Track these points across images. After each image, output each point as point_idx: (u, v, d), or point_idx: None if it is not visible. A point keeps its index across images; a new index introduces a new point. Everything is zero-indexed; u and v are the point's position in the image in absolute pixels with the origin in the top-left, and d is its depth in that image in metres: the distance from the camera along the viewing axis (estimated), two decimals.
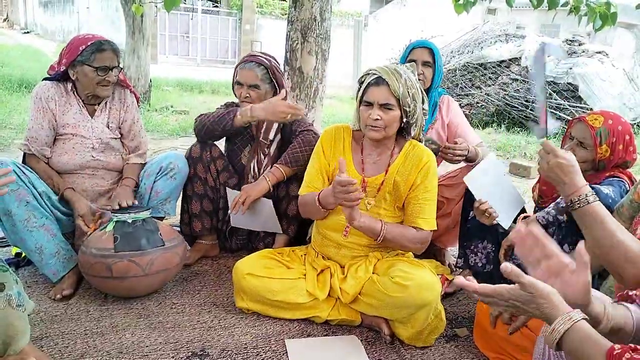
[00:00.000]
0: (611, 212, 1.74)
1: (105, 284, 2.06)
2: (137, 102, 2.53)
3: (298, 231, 2.46)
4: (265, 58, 2.49)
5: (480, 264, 2.31)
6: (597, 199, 1.38)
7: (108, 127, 2.38)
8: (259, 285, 1.98)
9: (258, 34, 16.74)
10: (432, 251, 2.63)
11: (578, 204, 1.38)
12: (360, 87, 1.94)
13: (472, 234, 2.29)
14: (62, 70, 2.25)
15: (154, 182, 2.38)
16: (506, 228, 2.08)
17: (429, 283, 1.82)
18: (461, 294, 2.38)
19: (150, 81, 7.47)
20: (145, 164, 2.46)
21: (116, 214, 2.10)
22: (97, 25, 15.55)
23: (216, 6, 18.00)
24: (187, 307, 2.10)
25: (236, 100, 2.60)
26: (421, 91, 1.95)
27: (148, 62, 7.33)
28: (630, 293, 1.14)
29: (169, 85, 9.88)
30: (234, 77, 2.47)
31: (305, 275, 2.04)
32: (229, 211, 2.39)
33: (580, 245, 1.01)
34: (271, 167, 2.38)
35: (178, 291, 2.23)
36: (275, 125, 2.49)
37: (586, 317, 0.97)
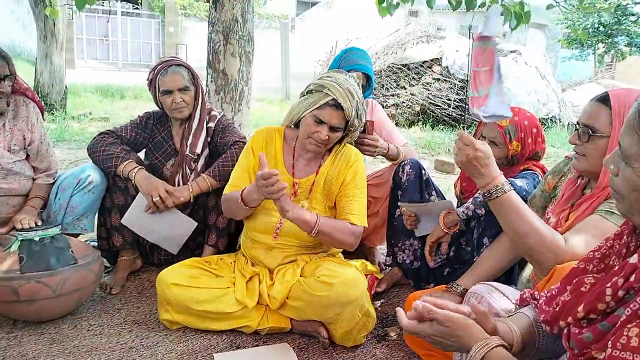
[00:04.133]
0: (525, 203, 1.82)
1: (12, 309, 1.88)
2: (42, 113, 2.32)
3: (227, 243, 2.37)
4: (180, 60, 2.38)
5: (408, 261, 2.34)
6: (512, 188, 1.42)
7: (9, 151, 2.16)
8: (185, 295, 1.88)
9: (183, 37, 16.33)
10: (361, 251, 2.64)
11: (495, 193, 1.41)
12: (309, 94, 1.93)
13: (398, 231, 2.32)
14: None
15: (70, 196, 2.22)
16: (418, 236, 2.20)
17: (353, 280, 1.81)
18: (391, 292, 2.39)
19: (66, 87, 7.06)
20: (55, 182, 2.29)
21: (21, 233, 1.92)
22: (6, 30, 14.55)
23: (137, 8, 17.35)
24: (106, 327, 1.96)
25: (154, 109, 2.48)
26: (363, 104, 1.97)
27: (63, 67, 6.93)
28: (524, 296, 1.17)
29: (88, 91, 9.41)
30: (156, 88, 2.32)
31: (234, 283, 1.97)
32: (131, 210, 2.24)
33: (470, 307, 1.03)
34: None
35: (95, 311, 2.08)
36: (202, 139, 2.38)
37: (504, 343, 0.98)
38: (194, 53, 14.36)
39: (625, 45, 22.21)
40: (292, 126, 2.04)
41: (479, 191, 1.94)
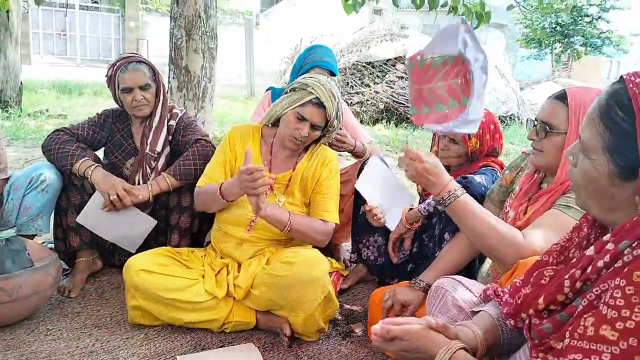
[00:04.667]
0: (484, 199, 1.87)
1: None
2: None
3: (190, 244, 2.33)
4: (141, 56, 2.33)
5: (372, 257, 2.37)
6: (465, 192, 1.45)
7: None
8: (154, 282, 1.85)
9: (144, 32, 15.98)
10: (327, 248, 2.65)
11: (448, 199, 1.44)
12: (291, 92, 1.96)
13: (363, 228, 2.34)
14: None
15: (23, 196, 2.15)
16: (392, 229, 2.15)
17: (315, 259, 1.83)
18: (356, 289, 2.41)
19: (22, 83, 6.80)
20: (8, 178, 2.20)
21: None
22: None
23: (95, 2, 16.88)
24: (65, 332, 1.90)
25: (113, 107, 2.41)
26: (342, 107, 2.02)
27: (18, 63, 6.68)
28: (488, 292, 1.20)
29: (44, 88, 9.09)
30: (115, 85, 2.26)
31: (204, 276, 1.96)
32: (88, 208, 2.17)
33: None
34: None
35: (53, 315, 2.01)
36: (163, 137, 2.33)
37: (464, 345, 1.00)
38: (155, 49, 14.09)
39: (581, 45, 23.02)
40: (270, 125, 2.07)
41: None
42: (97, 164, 2.18)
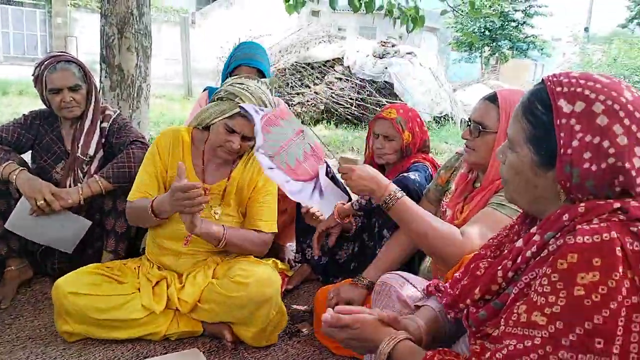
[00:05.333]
0: (421, 197, 1.93)
1: None
2: None
3: (128, 248, 2.26)
4: (70, 56, 2.23)
5: (316, 257, 2.39)
6: (404, 193, 1.50)
7: None
8: (85, 305, 1.76)
9: (72, 29, 15.22)
10: (272, 248, 2.64)
11: (390, 201, 1.49)
12: (219, 100, 1.84)
13: (306, 228, 2.35)
14: None
15: None
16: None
17: (268, 278, 1.82)
18: (301, 289, 2.43)
19: None
20: None
21: None
22: None
23: None
24: None
25: (41, 108, 2.29)
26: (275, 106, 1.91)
27: None
28: (430, 288, 1.25)
29: None
30: (43, 86, 2.15)
31: (139, 289, 1.88)
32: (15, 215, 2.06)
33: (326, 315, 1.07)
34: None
35: None
36: (95, 140, 2.24)
37: (409, 336, 1.03)
38: (84, 46, 13.46)
39: (508, 49, 24.24)
40: (201, 128, 1.96)
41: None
42: (22, 168, 2.06)
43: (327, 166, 2.35)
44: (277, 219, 2.23)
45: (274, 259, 2.39)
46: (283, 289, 2.27)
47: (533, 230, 0.92)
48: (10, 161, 2.05)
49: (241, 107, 1.76)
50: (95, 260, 2.25)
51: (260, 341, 1.88)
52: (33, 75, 2.19)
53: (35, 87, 2.20)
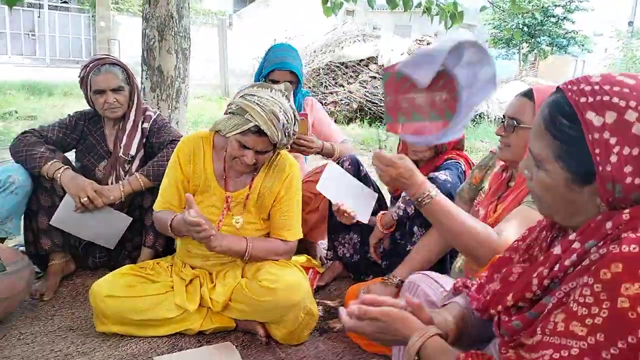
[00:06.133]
0: (452, 196, 1.91)
1: None
2: None
3: (165, 244, 2.32)
4: (114, 58, 2.31)
5: (348, 255, 2.40)
6: (439, 192, 1.48)
7: None
8: (122, 307, 1.82)
9: (115, 32, 15.69)
10: (303, 246, 2.67)
11: (423, 200, 1.46)
12: (231, 115, 1.79)
13: (338, 226, 2.37)
14: None
15: None
16: (366, 222, 2.18)
17: (295, 284, 1.83)
18: (332, 285, 2.44)
19: None
20: None
21: None
22: None
23: (65, 2, 16.50)
24: (38, 335, 1.88)
25: (86, 108, 2.39)
26: (294, 115, 1.85)
27: None
28: (457, 285, 1.22)
29: (13, 89, 8.85)
30: (88, 87, 2.24)
31: (172, 287, 1.93)
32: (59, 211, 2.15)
33: (403, 298, 1.07)
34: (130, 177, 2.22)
35: (27, 319, 1.98)
36: (137, 140, 2.32)
37: (440, 332, 1.01)
38: (126, 49, 13.84)
39: (547, 45, 23.55)
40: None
41: (402, 197, 2.05)
42: (66, 166, 2.15)
43: (360, 165, 2.36)
44: (308, 216, 2.26)
45: (306, 255, 2.43)
46: (314, 286, 2.29)
47: (571, 237, 0.87)
48: (55, 160, 2.14)
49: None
50: (135, 254, 2.34)
51: (290, 340, 1.91)
52: (79, 76, 2.28)
53: (80, 88, 2.29)
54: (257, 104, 1.74)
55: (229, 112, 1.81)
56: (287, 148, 1.98)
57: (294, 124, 1.85)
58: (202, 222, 1.69)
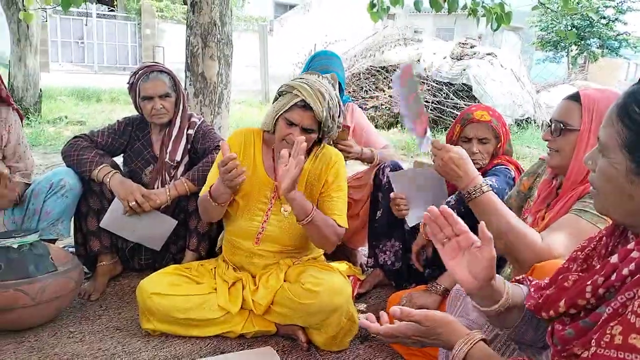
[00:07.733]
0: None
1: None
2: (21, 120, 2.30)
3: (209, 247, 2.36)
4: (162, 66, 2.37)
5: (389, 262, 2.37)
6: (490, 188, 1.45)
7: None
8: (167, 305, 1.87)
9: (160, 39, 16.17)
10: (344, 252, 2.66)
11: (474, 193, 1.45)
12: (280, 97, 1.89)
13: (380, 233, 2.34)
14: None
15: (44, 201, 2.19)
16: (410, 225, 2.13)
17: (339, 287, 1.82)
18: (373, 293, 2.41)
19: (41, 91, 6.93)
20: (30, 184, 2.25)
21: None
22: None
23: (112, 10, 17.14)
24: (87, 334, 1.94)
25: (133, 114, 2.45)
26: (339, 105, 1.92)
27: (37, 71, 6.81)
28: (518, 278, 1.19)
29: (63, 95, 9.23)
30: (136, 93, 2.30)
31: (216, 289, 1.96)
32: (109, 214, 2.21)
33: (482, 224, 1.04)
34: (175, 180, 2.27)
35: (76, 318, 2.05)
36: (182, 146, 2.36)
37: (485, 337, 1.00)
38: (171, 55, 14.23)
39: (597, 47, 22.76)
40: (270, 131, 1.98)
41: (456, 194, 1.98)
42: (115, 171, 2.22)
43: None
44: (349, 223, 2.23)
45: (346, 262, 2.41)
46: (355, 293, 2.27)
47: (630, 246, 0.84)
48: (104, 164, 2.21)
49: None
50: (179, 257, 2.38)
51: (331, 346, 1.90)
52: (128, 83, 2.35)
53: (129, 94, 2.36)
54: (304, 82, 1.85)
55: (279, 95, 1.90)
56: (329, 142, 1.99)
57: (339, 111, 1.92)
58: (233, 155, 1.70)
